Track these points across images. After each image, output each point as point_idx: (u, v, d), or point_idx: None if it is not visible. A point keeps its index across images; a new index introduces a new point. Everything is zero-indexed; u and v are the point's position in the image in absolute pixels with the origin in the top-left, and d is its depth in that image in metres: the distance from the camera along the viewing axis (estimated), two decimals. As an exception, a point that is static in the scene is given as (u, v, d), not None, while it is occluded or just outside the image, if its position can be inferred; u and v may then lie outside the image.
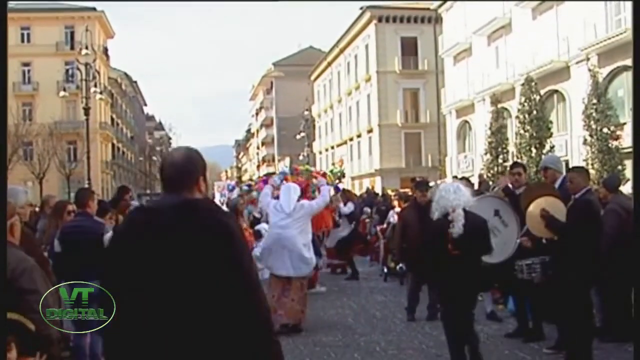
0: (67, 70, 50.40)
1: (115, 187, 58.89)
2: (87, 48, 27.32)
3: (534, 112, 25.05)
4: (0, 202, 3.33)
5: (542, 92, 26.57)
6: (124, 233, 2.63)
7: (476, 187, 13.30)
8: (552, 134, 25.29)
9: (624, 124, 22.23)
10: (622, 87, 24.12)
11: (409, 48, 46.50)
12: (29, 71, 53.57)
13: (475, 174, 28.02)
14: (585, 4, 25.20)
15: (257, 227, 12.02)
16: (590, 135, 22.17)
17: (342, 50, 55.07)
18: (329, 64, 59.89)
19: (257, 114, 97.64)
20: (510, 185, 8.03)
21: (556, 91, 28.30)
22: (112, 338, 2.52)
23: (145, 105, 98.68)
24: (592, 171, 19.53)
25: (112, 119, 63.81)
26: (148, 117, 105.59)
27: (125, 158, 72.66)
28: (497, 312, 8.86)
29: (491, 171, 26.82)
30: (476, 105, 35.02)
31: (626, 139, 21.02)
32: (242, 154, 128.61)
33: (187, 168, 2.59)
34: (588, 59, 24.03)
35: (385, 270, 13.40)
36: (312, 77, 67.06)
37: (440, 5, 40.10)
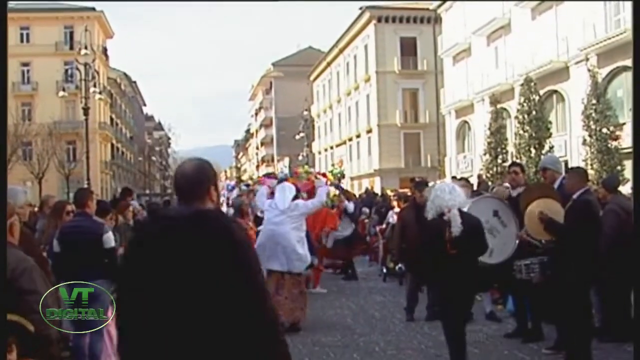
0: (66, 70, 50.33)
1: (114, 187, 59.05)
2: (86, 48, 27.32)
3: (533, 112, 25.04)
4: (0, 202, 3.34)
5: (542, 92, 26.57)
6: (138, 241, 2.72)
7: (475, 187, 13.31)
8: (551, 134, 25.28)
9: (623, 124, 22.24)
10: (622, 88, 24.13)
11: (408, 48, 46.51)
12: (28, 71, 53.55)
13: (474, 174, 28.02)
14: (584, 4, 25.21)
15: (259, 228, 12.03)
16: (590, 136, 22.17)
17: (341, 51, 55.08)
18: (329, 64, 59.90)
19: (256, 114, 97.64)
20: (508, 185, 8.04)
21: (555, 91, 28.31)
22: (127, 341, 2.62)
23: (145, 105, 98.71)
24: (591, 171, 19.54)
25: (112, 119, 63.81)
26: (147, 117, 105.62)
27: (124, 158, 72.64)
28: (496, 312, 8.87)
29: (490, 171, 26.82)
30: (475, 106, 35.04)
31: (625, 139, 21.02)
32: (241, 154, 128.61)
33: (198, 179, 2.70)
34: (587, 59, 24.02)
35: (385, 270, 13.41)
36: (312, 77, 67.07)
37: (439, 6, 40.11)
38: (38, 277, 3.32)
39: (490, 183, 19.92)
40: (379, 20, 46.49)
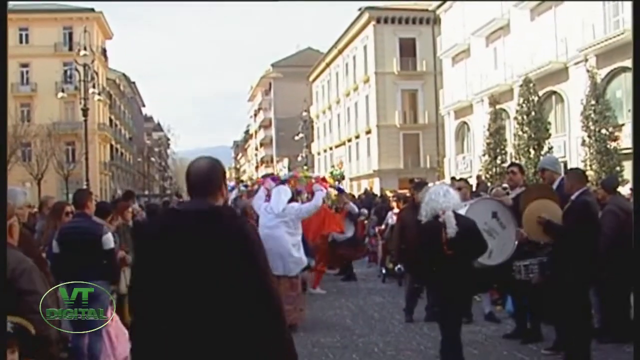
0: (65, 71, 50.29)
1: (113, 188, 59.05)
2: (85, 49, 27.33)
3: (532, 113, 25.04)
4: (0, 203, 3.34)
5: (541, 93, 26.56)
6: (154, 233, 2.91)
7: (474, 188, 13.31)
8: (550, 135, 25.28)
9: (622, 125, 22.26)
10: (621, 88, 24.14)
11: (408, 49, 46.51)
12: (27, 72, 53.49)
13: (473, 175, 28.05)
14: (583, 5, 25.22)
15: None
16: (589, 137, 22.17)
17: (340, 52, 55.09)
18: (328, 65, 59.90)
19: (255, 115, 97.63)
20: (506, 186, 8.04)
21: (554, 92, 28.31)
22: (140, 329, 2.79)
23: (144, 106, 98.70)
24: (590, 172, 19.55)
25: (111, 120, 63.78)
26: (146, 118, 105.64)
27: (123, 159, 72.61)
28: (495, 313, 8.88)
29: (489, 172, 26.82)
30: (474, 106, 35.04)
31: (624, 140, 21.04)
32: (240, 155, 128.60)
33: (210, 176, 2.89)
34: (586, 60, 24.03)
35: (384, 271, 13.40)
36: (311, 78, 67.05)
37: (438, 7, 40.14)
38: (37, 277, 3.32)
39: (489, 184, 19.94)
40: (378, 21, 46.49)
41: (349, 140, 53.35)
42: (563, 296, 6.19)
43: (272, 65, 79.81)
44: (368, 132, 48.25)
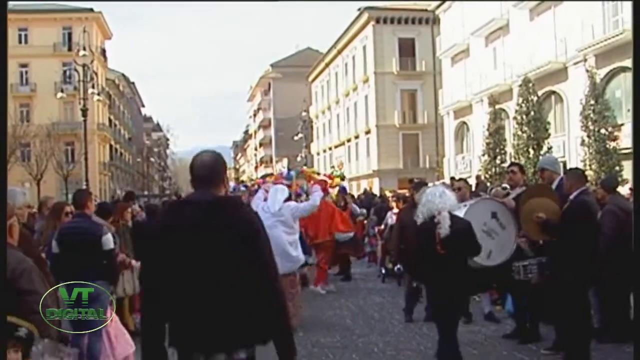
0: (64, 72, 50.27)
1: (112, 188, 59.06)
2: (84, 49, 27.35)
3: (532, 113, 25.05)
4: (0, 203, 3.34)
5: (540, 93, 26.57)
6: (164, 223, 3.11)
7: (474, 188, 13.30)
8: (549, 135, 25.29)
9: (622, 125, 22.27)
10: (620, 88, 24.15)
11: (407, 49, 46.51)
12: (26, 72, 53.42)
13: (473, 175, 28.07)
14: (582, 5, 25.23)
15: None
16: (588, 136, 22.18)
17: (339, 52, 55.09)
18: (327, 65, 59.90)
19: (254, 115, 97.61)
20: (506, 186, 8.04)
21: (554, 92, 28.33)
22: (151, 308, 3.02)
23: (143, 106, 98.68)
24: (589, 172, 19.58)
25: (110, 120, 63.76)
26: (146, 118, 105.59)
27: (122, 159, 72.59)
28: (494, 313, 8.88)
29: (489, 172, 26.84)
30: (474, 106, 35.06)
31: (624, 140, 21.06)
32: (239, 155, 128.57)
33: (214, 168, 3.10)
34: (585, 60, 24.04)
35: (383, 271, 13.39)
36: (310, 78, 67.05)
37: (437, 7, 40.15)
38: (37, 277, 3.32)
39: (488, 184, 19.94)
40: (378, 21, 46.50)
41: (349, 141, 53.36)
42: (563, 296, 6.19)
43: (272, 65, 79.79)
44: (367, 132, 48.26)
